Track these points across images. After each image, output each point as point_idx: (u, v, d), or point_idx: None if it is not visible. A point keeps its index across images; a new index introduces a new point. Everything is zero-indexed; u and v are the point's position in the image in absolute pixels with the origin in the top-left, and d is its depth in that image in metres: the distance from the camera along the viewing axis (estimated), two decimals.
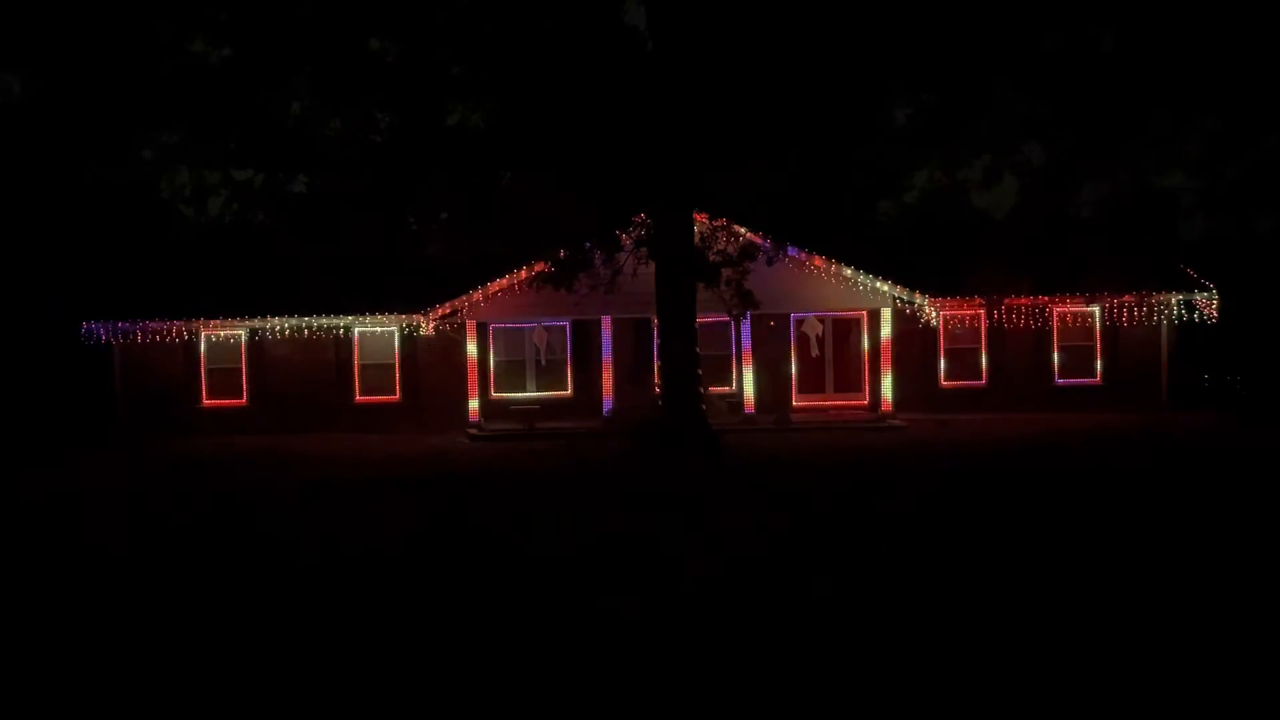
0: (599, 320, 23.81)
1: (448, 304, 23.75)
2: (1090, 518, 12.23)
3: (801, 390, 25.21)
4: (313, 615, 8.64)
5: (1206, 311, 24.31)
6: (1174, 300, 24.49)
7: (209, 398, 24.97)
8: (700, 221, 20.91)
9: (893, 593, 8.91)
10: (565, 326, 24.92)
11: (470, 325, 24.08)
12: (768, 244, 21.82)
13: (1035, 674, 6.86)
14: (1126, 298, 24.58)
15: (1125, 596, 8.68)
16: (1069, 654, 7.19)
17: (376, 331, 25.06)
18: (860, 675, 6.91)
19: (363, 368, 25.13)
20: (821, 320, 25.25)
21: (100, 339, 24.23)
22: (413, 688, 6.87)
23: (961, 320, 25.28)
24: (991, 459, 17.79)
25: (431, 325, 24.09)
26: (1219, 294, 24.42)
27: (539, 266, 22.18)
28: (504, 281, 23.38)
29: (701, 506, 13.73)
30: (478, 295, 23.59)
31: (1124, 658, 7.13)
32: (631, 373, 24.48)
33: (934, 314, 24.62)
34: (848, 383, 25.35)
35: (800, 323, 25.18)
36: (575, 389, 24.97)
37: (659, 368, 20.30)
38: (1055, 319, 25.07)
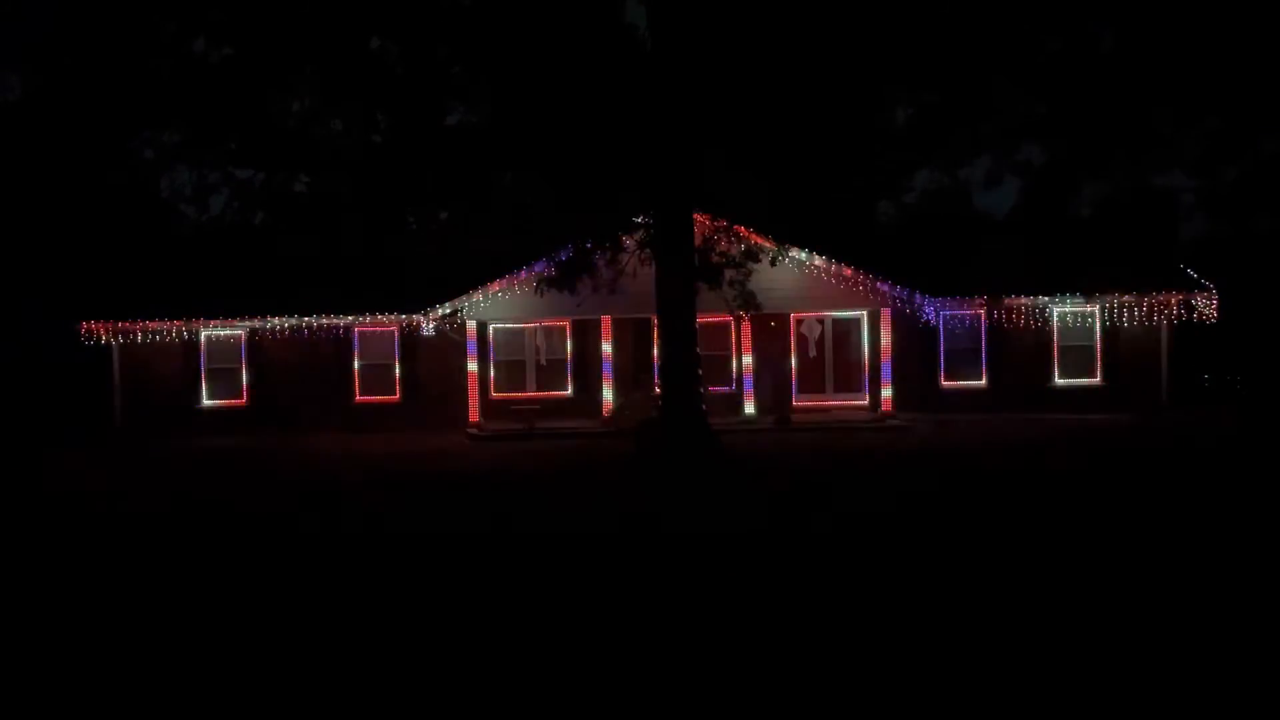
0: (599, 320, 23.82)
1: (448, 304, 23.74)
2: (1087, 516, 12.24)
3: (801, 390, 25.21)
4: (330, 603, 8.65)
5: (1206, 311, 24.30)
6: (1174, 300, 24.49)
7: (209, 398, 24.96)
8: (702, 222, 20.91)
9: (891, 589, 8.93)
10: (565, 326, 24.93)
11: (470, 325, 24.07)
12: (770, 244, 21.82)
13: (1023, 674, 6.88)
14: (1126, 298, 24.57)
15: (1119, 597, 8.69)
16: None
17: (376, 331, 25.05)
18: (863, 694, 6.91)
19: (363, 368, 25.13)
20: (820, 321, 25.26)
21: (100, 339, 24.23)
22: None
23: (961, 320, 25.28)
24: (992, 459, 17.79)
25: (431, 325, 24.08)
26: (1219, 294, 24.41)
27: (539, 267, 22.17)
28: (504, 281, 23.38)
29: (701, 507, 13.72)
30: (478, 295, 23.59)
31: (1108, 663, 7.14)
32: (631, 373, 24.49)
33: (934, 314, 24.62)
34: (848, 383, 25.36)
35: (800, 323, 25.20)
36: (575, 389, 24.99)
37: (659, 368, 20.28)
38: (1055, 319, 25.08)
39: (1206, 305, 24.29)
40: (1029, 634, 7.65)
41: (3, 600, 9.57)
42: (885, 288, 23.73)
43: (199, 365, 24.93)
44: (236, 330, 24.84)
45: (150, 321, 24.20)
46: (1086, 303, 24.85)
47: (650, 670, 7.07)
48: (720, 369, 24.40)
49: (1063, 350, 25.20)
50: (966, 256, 25.42)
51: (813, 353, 25.37)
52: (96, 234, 29.29)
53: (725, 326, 24.12)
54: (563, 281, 20.56)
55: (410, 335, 24.71)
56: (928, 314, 24.37)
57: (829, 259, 23.53)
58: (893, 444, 19.97)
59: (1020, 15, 20.63)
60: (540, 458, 19.15)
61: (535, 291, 21.87)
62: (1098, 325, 25.07)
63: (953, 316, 25.22)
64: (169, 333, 24.27)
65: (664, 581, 9.50)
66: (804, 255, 23.36)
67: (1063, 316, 25.08)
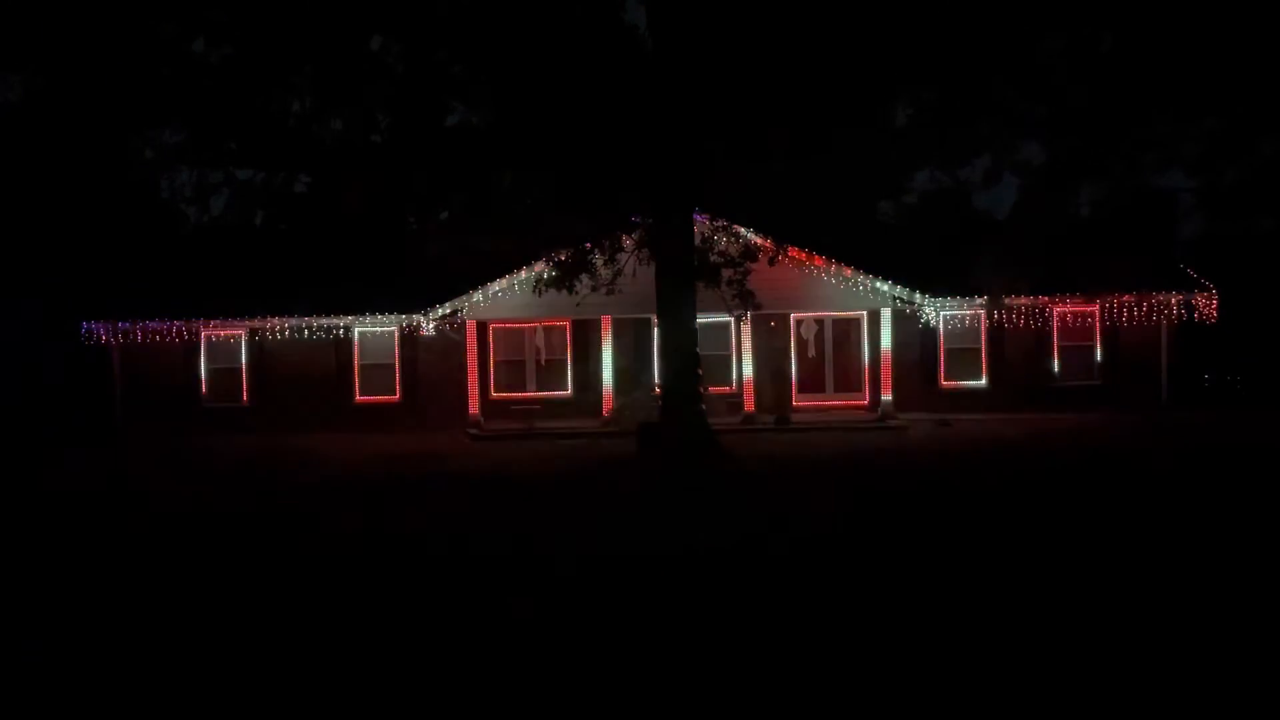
0: (599, 320, 23.83)
1: (448, 304, 23.77)
2: (1083, 514, 12.25)
3: (801, 390, 25.23)
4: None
5: (1206, 311, 24.31)
6: (1174, 300, 24.50)
7: (209, 398, 24.98)
8: (701, 222, 20.92)
9: (888, 587, 8.94)
10: (565, 326, 24.94)
11: (470, 325, 24.09)
12: (769, 244, 21.83)
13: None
14: (1126, 298, 24.59)
15: (1114, 595, 8.70)
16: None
17: (376, 331, 25.07)
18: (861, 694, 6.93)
19: (363, 368, 25.15)
20: (818, 321, 25.28)
21: (100, 339, 24.24)
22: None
23: (961, 320, 25.29)
24: (992, 460, 17.79)
25: (431, 325, 24.11)
26: (1219, 294, 24.42)
27: (539, 267, 22.18)
28: (504, 281, 23.40)
29: (700, 507, 13.73)
30: (478, 295, 23.60)
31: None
32: (631, 373, 24.49)
33: (934, 314, 24.63)
34: (848, 383, 25.37)
35: (799, 323, 25.21)
36: (575, 389, 25.00)
37: (659, 368, 20.28)
38: (1055, 319, 25.09)
39: (1206, 305, 24.29)
40: (1029, 631, 7.67)
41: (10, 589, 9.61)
42: (885, 288, 23.75)
43: (199, 365, 24.96)
44: (237, 330, 24.86)
45: (151, 321, 24.23)
46: (1086, 303, 24.86)
47: (654, 676, 7.09)
48: (720, 369, 24.41)
49: (1063, 350, 25.22)
50: (966, 256, 25.39)
51: (812, 353, 25.39)
52: (97, 234, 29.29)
53: (725, 326, 24.12)
54: (562, 281, 20.57)
55: (410, 335, 24.72)
56: (928, 314, 24.39)
57: (829, 259, 23.53)
58: (893, 444, 19.98)
59: (1020, 15, 20.60)
60: (541, 458, 19.16)
61: (535, 291, 21.88)
62: (1098, 325, 25.08)
63: (953, 316, 25.23)
64: (170, 333, 24.29)
65: (668, 586, 9.50)
66: (804, 255, 23.36)
67: (1062, 316, 25.09)
